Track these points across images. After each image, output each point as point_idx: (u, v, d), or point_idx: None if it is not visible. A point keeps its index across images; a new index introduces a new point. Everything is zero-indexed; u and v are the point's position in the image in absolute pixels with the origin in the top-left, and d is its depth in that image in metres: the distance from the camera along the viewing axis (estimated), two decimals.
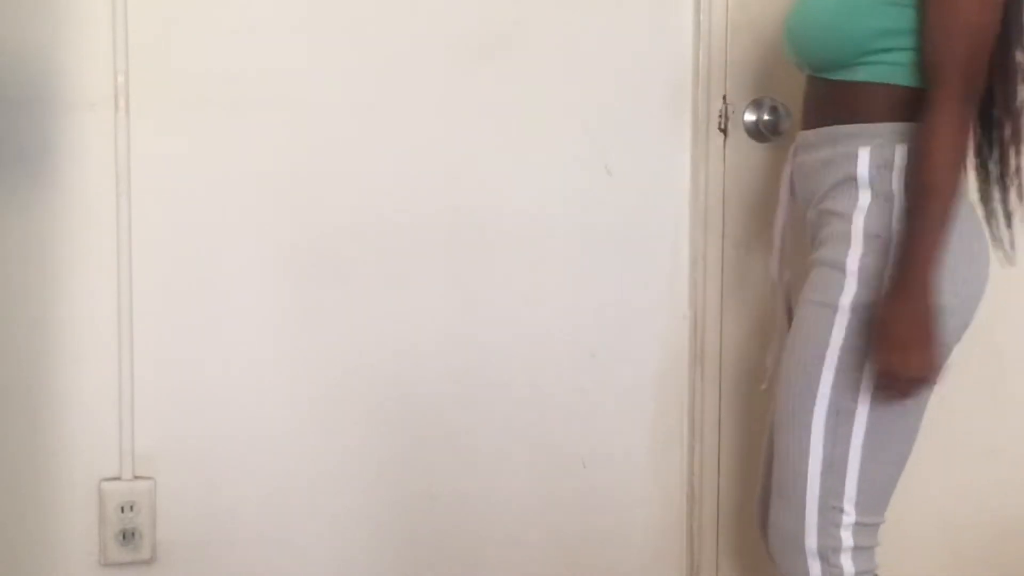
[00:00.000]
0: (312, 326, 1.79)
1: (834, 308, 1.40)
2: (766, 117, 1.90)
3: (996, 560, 2.05)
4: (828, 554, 1.43)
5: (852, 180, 1.42)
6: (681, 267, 1.96)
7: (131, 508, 1.73)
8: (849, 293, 1.40)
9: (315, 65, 1.76)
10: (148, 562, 1.76)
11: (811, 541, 1.43)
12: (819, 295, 1.43)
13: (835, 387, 1.40)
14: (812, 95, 1.51)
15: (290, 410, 1.80)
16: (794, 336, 1.46)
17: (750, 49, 1.84)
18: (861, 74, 1.43)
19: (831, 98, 1.46)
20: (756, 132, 1.91)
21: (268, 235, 1.76)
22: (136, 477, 1.74)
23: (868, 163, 1.42)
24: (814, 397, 1.41)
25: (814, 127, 1.49)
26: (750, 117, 1.91)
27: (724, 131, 1.92)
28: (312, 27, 1.75)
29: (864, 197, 1.41)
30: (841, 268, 1.40)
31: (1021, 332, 2.07)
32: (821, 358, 1.40)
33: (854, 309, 1.39)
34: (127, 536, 1.74)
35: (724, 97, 1.91)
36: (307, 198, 1.77)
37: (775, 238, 1.62)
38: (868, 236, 1.40)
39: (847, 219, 1.42)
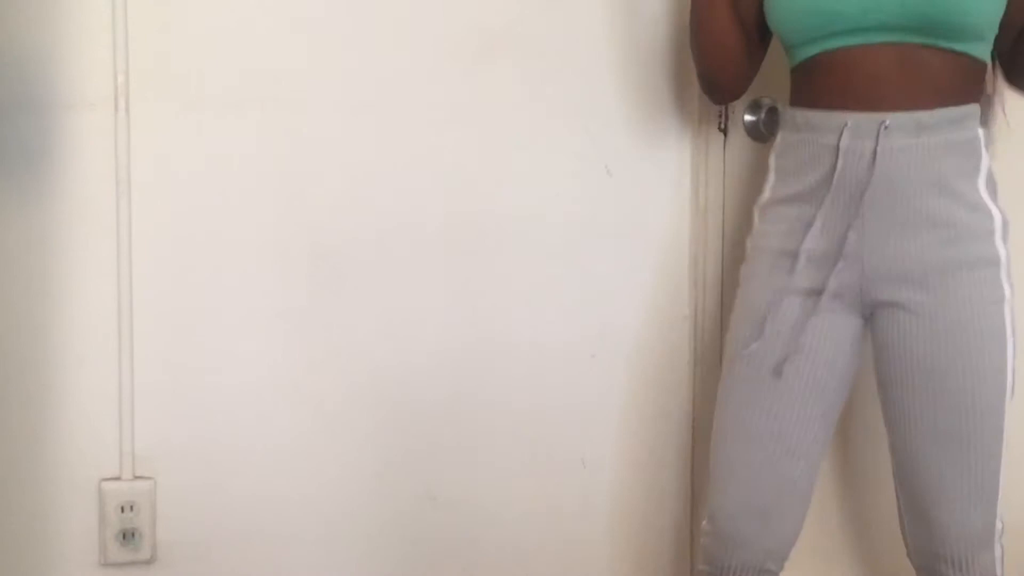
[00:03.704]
0: (312, 325, 1.79)
1: (1001, 301, 1.44)
2: (766, 117, 1.90)
3: None
4: (1001, 539, 1.50)
5: (977, 166, 1.43)
6: (681, 267, 1.96)
7: (131, 508, 1.73)
8: (1007, 284, 1.45)
9: (315, 65, 1.76)
10: (148, 562, 1.76)
11: (997, 529, 1.49)
12: (987, 292, 1.44)
13: (1011, 384, 1.46)
14: (920, 68, 1.42)
15: (290, 410, 1.80)
16: (972, 335, 1.43)
17: None
18: (979, 49, 1.42)
19: (948, 72, 1.42)
20: (756, 132, 1.91)
21: (268, 235, 1.76)
22: (136, 477, 1.74)
23: (985, 146, 1.44)
24: (1004, 395, 1.45)
25: (920, 106, 1.42)
26: (750, 117, 1.91)
27: (724, 131, 1.92)
28: (312, 27, 1.75)
29: (991, 183, 1.45)
30: (996, 263, 1.44)
31: None
32: (1004, 354, 1.44)
33: (1010, 300, 1.45)
34: (127, 536, 1.74)
35: None
36: (307, 198, 1.77)
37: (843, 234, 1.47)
38: (1005, 225, 1.46)
39: (986, 213, 1.44)
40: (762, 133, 1.91)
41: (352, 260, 1.80)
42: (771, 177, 1.57)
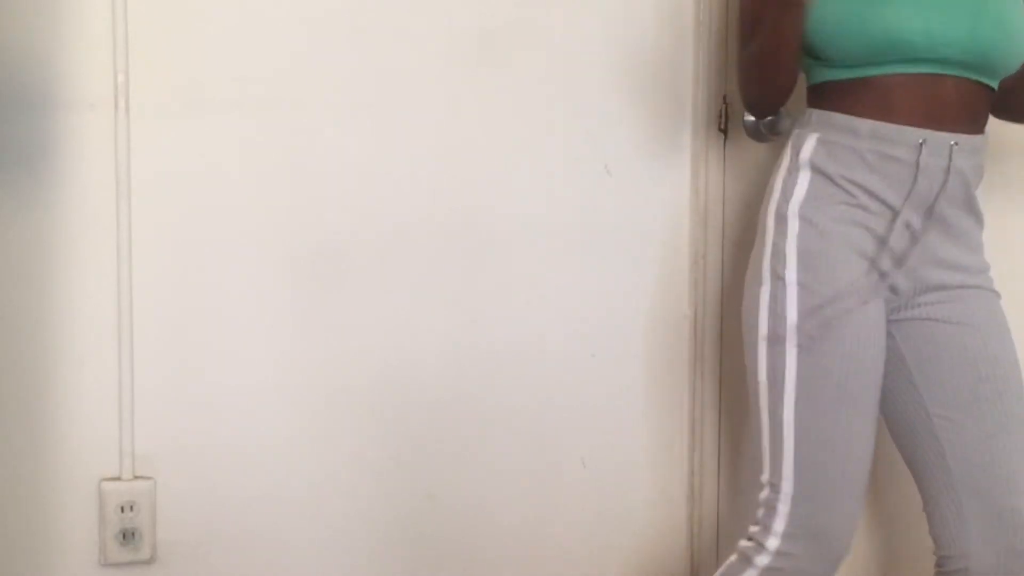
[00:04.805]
0: (312, 325, 1.79)
1: (998, 299, 1.57)
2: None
3: None
4: None
5: (979, 185, 1.55)
6: (681, 267, 1.96)
7: (131, 508, 1.73)
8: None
9: (315, 66, 1.76)
10: (148, 562, 1.76)
11: None
12: (993, 292, 1.57)
13: None
14: (967, 99, 1.51)
15: (291, 410, 1.80)
16: (1002, 328, 1.55)
17: None
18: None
19: (982, 105, 1.54)
20: (756, 132, 1.91)
21: (268, 235, 1.76)
22: (136, 477, 1.74)
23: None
24: None
25: (969, 132, 1.51)
26: (750, 117, 1.91)
27: (724, 131, 1.92)
28: (312, 27, 1.75)
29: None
30: (988, 270, 1.57)
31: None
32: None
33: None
34: (127, 536, 1.74)
35: (724, 97, 1.91)
36: (307, 199, 1.77)
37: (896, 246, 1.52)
38: None
39: (983, 224, 1.56)
40: (762, 133, 1.90)
41: (352, 260, 1.80)
42: (806, 177, 1.55)
